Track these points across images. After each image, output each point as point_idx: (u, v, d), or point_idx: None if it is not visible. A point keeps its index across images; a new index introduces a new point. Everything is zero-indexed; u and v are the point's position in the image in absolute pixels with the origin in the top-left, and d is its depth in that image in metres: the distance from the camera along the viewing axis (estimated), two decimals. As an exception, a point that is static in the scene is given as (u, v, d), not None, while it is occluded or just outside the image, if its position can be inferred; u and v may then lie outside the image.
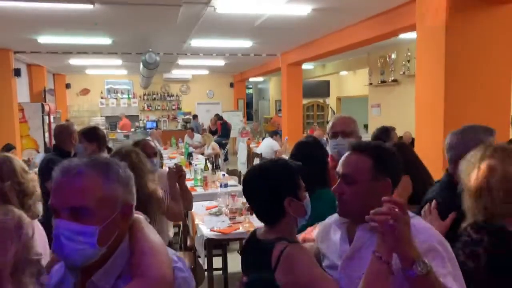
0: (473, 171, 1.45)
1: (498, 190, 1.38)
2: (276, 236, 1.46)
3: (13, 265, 1.16)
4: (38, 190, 1.81)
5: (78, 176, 1.11)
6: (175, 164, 3.08)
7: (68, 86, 13.64)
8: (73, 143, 3.67)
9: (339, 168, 1.44)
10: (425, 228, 1.32)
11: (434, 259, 1.22)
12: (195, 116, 13.43)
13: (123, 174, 1.18)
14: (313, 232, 1.74)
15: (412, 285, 1.16)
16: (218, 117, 13.05)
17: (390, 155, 1.44)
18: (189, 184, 5.24)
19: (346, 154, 1.47)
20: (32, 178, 1.82)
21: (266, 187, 1.51)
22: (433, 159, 4.11)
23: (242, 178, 6.92)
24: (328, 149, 2.62)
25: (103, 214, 1.11)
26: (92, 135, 3.60)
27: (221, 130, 12.40)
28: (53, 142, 3.97)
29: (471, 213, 1.43)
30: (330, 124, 2.73)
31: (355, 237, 1.39)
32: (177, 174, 2.93)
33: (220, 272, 4.04)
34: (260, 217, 1.55)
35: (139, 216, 1.27)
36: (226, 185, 5.14)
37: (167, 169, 3.12)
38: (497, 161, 1.41)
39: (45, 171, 3.12)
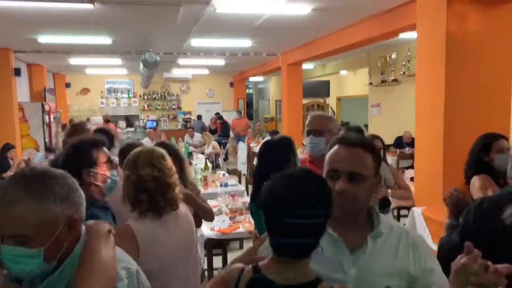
0: None
1: None
2: (316, 276, 1.13)
3: None
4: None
5: (9, 205, 1.05)
6: None
7: (68, 85, 13.63)
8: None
9: (338, 165, 1.27)
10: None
11: None
12: (199, 116, 13.41)
13: (60, 190, 1.11)
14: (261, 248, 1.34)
15: None
16: (218, 117, 13.05)
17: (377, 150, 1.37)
18: (189, 183, 5.28)
19: (341, 149, 1.30)
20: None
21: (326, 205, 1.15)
22: (433, 158, 4.13)
23: (242, 178, 6.81)
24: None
25: (44, 236, 1.08)
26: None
27: (221, 129, 12.41)
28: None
29: None
30: (307, 121, 2.65)
31: (369, 246, 1.26)
32: None
33: (220, 271, 4.03)
34: (301, 248, 1.12)
35: (98, 226, 1.23)
36: (226, 185, 5.15)
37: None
38: None
39: None
